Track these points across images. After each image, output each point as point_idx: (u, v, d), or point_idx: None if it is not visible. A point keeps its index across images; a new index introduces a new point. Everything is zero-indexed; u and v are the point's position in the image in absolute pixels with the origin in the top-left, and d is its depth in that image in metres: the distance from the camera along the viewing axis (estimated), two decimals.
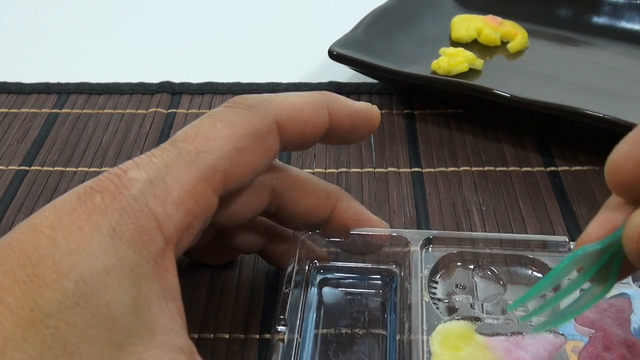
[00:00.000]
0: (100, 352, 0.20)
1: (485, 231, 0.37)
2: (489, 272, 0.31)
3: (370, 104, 0.31)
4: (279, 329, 0.28)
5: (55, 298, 0.20)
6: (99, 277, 0.21)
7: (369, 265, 0.33)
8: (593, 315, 0.28)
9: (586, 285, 0.24)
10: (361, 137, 0.31)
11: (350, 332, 0.30)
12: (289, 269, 0.30)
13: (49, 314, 0.20)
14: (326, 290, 0.32)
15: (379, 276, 0.33)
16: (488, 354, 0.28)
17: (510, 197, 0.40)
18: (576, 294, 0.25)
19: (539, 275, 0.31)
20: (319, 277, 0.33)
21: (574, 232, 0.37)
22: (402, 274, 0.31)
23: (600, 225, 0.23)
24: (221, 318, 0.33)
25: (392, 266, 0.32)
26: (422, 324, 0.28)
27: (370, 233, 0.32)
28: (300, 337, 0.29)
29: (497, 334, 0.28)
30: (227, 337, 0.32)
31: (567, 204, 0.39)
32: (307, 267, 0.32)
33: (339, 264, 0.33)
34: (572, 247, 0.30)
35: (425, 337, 0.28)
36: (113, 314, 0.21)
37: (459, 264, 0.32)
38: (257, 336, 0.32)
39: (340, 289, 0.32)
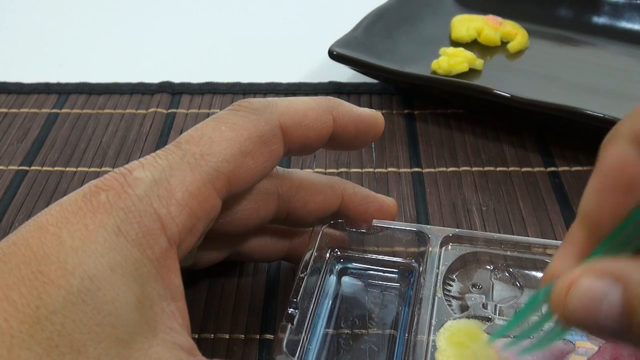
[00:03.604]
0: (107, 349, 0.20)
1: (485, 231, 0.37)
2: (507, 274, 0.31)
3: (374, 110, 0.31)
4: (290, 311, 0.28)
5: (61, 295, 0.20)
6: (104, 274, 0.21)
7: (389, 259, 0.33)
8: None
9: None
10: (364, 143, 0.31)
11: (362, 323, 0.31)
12: (307, 256, 0.30)
13: (55, 311, 0.20)
14: (345, 279, 0.33)
15: (398, 270, 0.33)
16: (492, 354, 0.28)
17: (511, 198, 0.40)
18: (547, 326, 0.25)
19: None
20: (338, 267, 0.33)
21: None
22: (421, 269, 0.31)
23: (564, 260, 0.24)
24: (221, 318, 0.33)
25: (412, 261, 0.33)
26: (431, 319, 0.28)
27: (394, 226, 0.32)
28: (311, 322, 0.29)
29: (506, 336, 0.28)
30: (228, 337, 0.32)
31: (568, 205, 0.39)
32: (327, 256, 0.33)
33: (360, 255, 0.33)
34: None
35: (432, 331, 0.28)
36: (118, 310, 0.21)
37: (478, 263, 0.32)
38: (258, 336, 0.32)
39: (358, 279, 0.33)
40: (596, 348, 0.28)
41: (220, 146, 0.25)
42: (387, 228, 0.32)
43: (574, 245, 0.24)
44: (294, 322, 0.28)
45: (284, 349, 0.26)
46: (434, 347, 0.27)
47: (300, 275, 0.30)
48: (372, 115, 0.30)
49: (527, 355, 0.27)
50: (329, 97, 0.29)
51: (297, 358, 0.27)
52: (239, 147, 0.25)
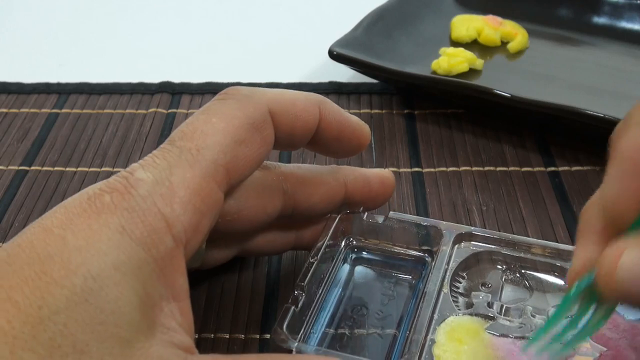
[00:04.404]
0: (110, 348, 0.20)
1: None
2: (519, 276, 0.31)
3: (362, 121, 0.31)
4: (295, 293, 0.28)
5: (64, 295, 0.20)
6: (108, 274, 0.21)
7: (403, 251, 0.33)
8: (610, 334, 0.28)
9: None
10: (347, 150, 0.31)
11: (370, 312, 0.31)
12: (319, 242, 0.31)
13: (58, 311, 0.20)
14: (358, 268, 0.33)
15: (411, 263, 0.33)
16: (490, 352, 0.28)
17: (511, 197, 0.40)
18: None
19: (566, 285, 0.31)
20: (352, 255, 0.33)
21: (575, 232, 0.37)
22: (433, 264, 0.31)
23: (584, 259, 0.24)
24: (221, 318, 0.33)
25: (425, 255, 0.33)
26: (433, 313, 0.28)
27: (409, 220, 0.33)
28: (318, 307, 0.30)
29: (506, 336, 0.28)
30: (228, 337, 0.32)
31: (568, 204, 0.39)
32: (342, 244, 0.33)
33: (375, 245, 0.33)
34: None
35: (433, 325, 0.28)
36: (121, 309, 0.21)
37: (490, 263, 0.32)
38: (258, 336, 0.32)
39: (371, 270, 0.33)
40: (597, 354, 0.28)
41: (214, 138, 0.25)
42: (403, 221, 0.33)
43: (593, 236, 0.24)
44: (298, 305, 0.28)
45: (285, 330, 0.27)
46: (433, 341, 0.28)
47: (310, 260, 0.30)
48: (358, 123, 0.30)
49: (569, 351, 0.27)
50: (316, 94, 0.30)
51: (298, 341, 0.27)
52: (232, 137, 0.25)
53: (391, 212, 0.33)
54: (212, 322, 0.32)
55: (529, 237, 0.37)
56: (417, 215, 0.39)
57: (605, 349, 0.28)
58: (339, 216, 0.32)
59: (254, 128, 0.26)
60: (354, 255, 0.33)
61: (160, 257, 0.22)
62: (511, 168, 0.42)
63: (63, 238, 0.21)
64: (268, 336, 0.32)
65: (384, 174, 0.33)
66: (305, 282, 0.29)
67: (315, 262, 0.30)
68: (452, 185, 0.41)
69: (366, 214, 0.33)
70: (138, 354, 0.21)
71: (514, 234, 0.37)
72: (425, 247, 0.33)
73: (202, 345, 0.31)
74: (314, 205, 0.31)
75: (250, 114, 0.26)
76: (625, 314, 0.29)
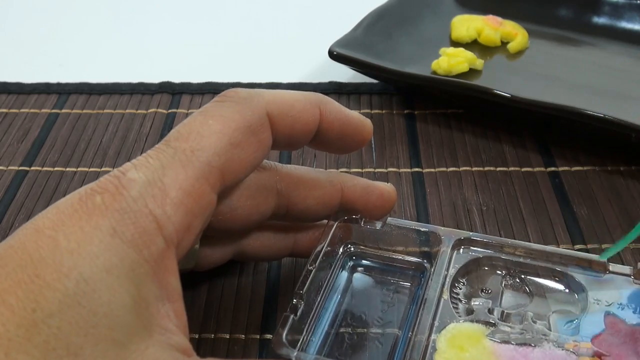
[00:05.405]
0: (104, 351, 0.20)
1: (486, 231, 0.37)
2: (519, 281, 0.31)
3: (364, 117, 0.31)
4: (294, 302, 0.28)
5: (57, 298, 0.20)
6: (100, 276, 0.21)
7: (402, 257, 0.33)
8: (613, 339, 0.28)
9: None
10: (350, 147, 0.31)
11: (369, 319, 0.31)
12: (318, 249, 0.30)
13: (51, 314, 0.20)
14: (356, 275, 0.33)
15: (410, 269, 0.33)
16: (492, 359, 0.27)
17: (511, 198, 0.40)
18: None
19: (567, 290, 0.31)
20: (350, 262, 0.33)
21: (575, 233, 0.37)
22: (432, 270, 0.31)
23: None
24: (222, 318, 0.33)
25: (424, 261, 0.33)
26: (433, 320, 0.28)
27: (407, 225, 0.33)
28: (317, 315, 0.29)
29: (508, 342, 0.28)
30: (228, 337, 0.32)
31: (568, 205, 0.39)
32: (340, 251, 0.33)
33: (373, 252, 0.33)
34: (610, 268, 0.30)
35: (434, 332, 0.28)
36: (114, 312, 0.21)
37: (490, 268, 0.32)
38: (258, 336, 0.32)
39: (370, 276, 0.33)
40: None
41: (209, 140, 0.25)
42: (401, 227, 0.32)
43: None
44: (298, 314, 0.28)
45: (284, 339, 0.26)
46: (434, 348, 0.27)
47: (309, 268, 0.29)
48: (360, 120, 0.30)
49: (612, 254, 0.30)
50: (317, 93, 0.29)
51: (298, 349, 0.27)
52: (228, 139, 0.25)
53: (389, 217, 0.33)
54: (212, 323, 0.32)
55: (529, 237, 0.37)
56: (417, 215, 0.39)
57: (608, 354, 0.28)
58: (337, 223, 0.32)
59: (250, 131, 0.26)
60: (352, 262, 0.33)
61: (152, 258, 0.22)
62: (511, 168, 0.42)
63: (55, 240, 0.21)
64: (268, 336, 0.32)
65: (385, 187, 0.32)
66: (304, 290, 0.28)
67: (314, 270, 0.29)
68: (452, 186, 0.41)
69: (363, 219, 0.32)
70: (133, 356, 0.21)
71: (514, 234, 0.37)
72: (424, 253, 0.33)
73: (202, 345, 0.31)
74: (309, 208, 0.31)
75: (248, 117, 0.26)
76: (626, 318, 0.29)
